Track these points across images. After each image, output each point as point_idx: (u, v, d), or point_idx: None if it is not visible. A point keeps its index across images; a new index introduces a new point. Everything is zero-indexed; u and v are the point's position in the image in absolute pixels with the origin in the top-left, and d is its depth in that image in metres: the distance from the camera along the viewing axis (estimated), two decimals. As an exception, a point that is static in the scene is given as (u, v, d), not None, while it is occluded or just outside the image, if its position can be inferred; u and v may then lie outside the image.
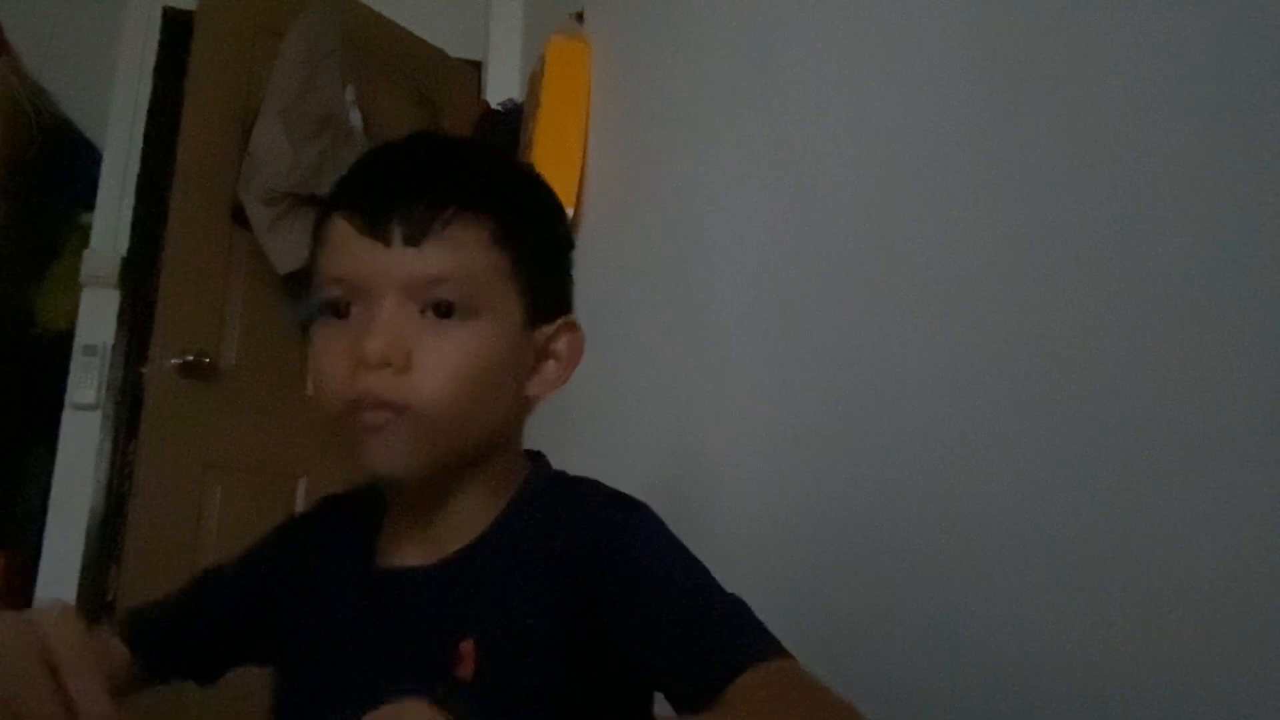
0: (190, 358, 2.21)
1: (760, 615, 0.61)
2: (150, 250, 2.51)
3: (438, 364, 0.65)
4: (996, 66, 0.76)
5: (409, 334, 0.65)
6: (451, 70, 2.72)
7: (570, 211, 1.75)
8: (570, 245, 0.78)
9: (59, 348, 2.50)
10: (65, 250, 2.61)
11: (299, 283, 2.25)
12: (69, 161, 2.64)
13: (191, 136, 2.31)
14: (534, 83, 1.94)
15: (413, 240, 0.65)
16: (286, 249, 2.19)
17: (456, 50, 2.72)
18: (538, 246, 0.72)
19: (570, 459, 0.77)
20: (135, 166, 2.60)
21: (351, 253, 0.66)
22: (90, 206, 2.59)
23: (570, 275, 0.76)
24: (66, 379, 2.47)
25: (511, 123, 2.06)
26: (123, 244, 2.57)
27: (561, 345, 0.73)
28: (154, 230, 2.48)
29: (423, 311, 0.65)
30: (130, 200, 2.59)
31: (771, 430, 1.05)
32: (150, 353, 2.23)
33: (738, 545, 1.01)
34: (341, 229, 0.67)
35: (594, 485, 0.72)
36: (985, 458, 0.73)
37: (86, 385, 2.47)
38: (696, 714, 0.56)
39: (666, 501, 0.72)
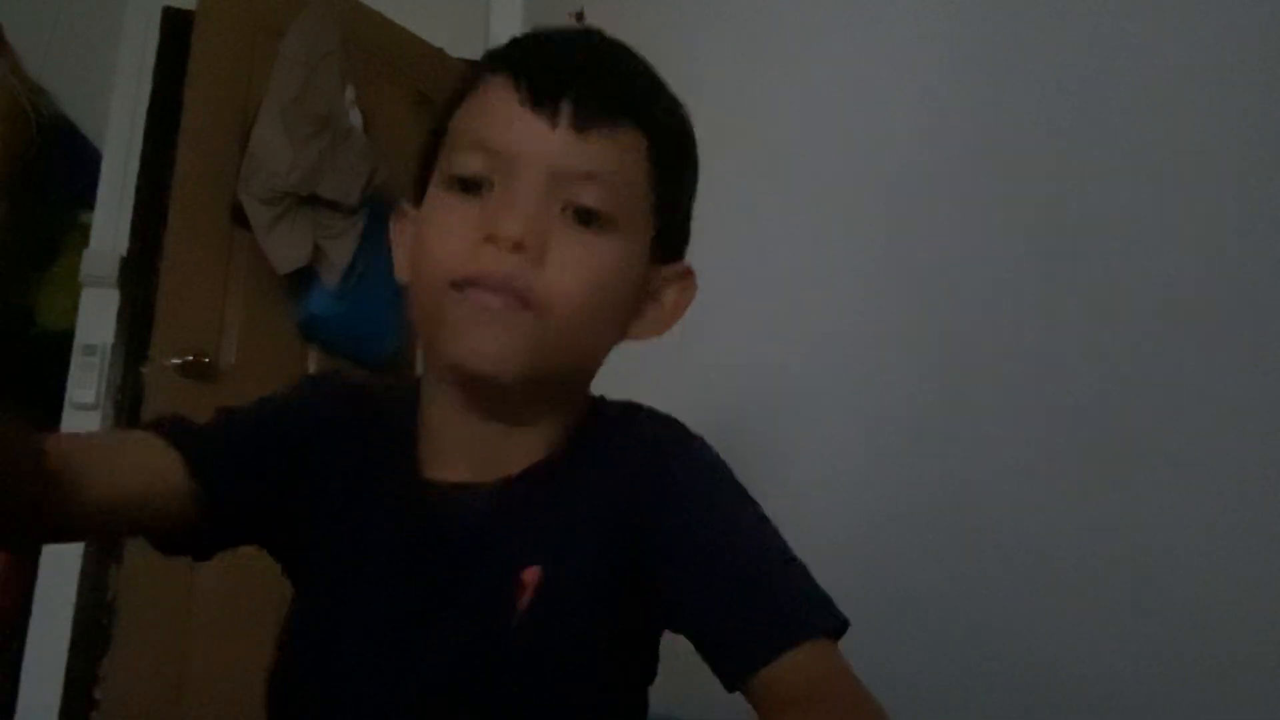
0: (190, 358, 2.20)
1: (834, 564, 0.60)
2: (150, 250, 2.51)
3: (571, 265, 0.59)
4: (997, 66, 0.76)
5: (547, 228, 0.59)
6: (451, 70, 2.71)
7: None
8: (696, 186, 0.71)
9: (59, 348, 2.49)
10: (65, 250, 2.61)
11: (299, 282, 2.25)
12: (69, 161, 2.64)
13: (191, 136, 2.31)
14: (534, 83, 1.93)
15: (580, 126, 0.60)
16: (286, 249, 2.19)
17: (456, 50, 2.72)
18: (683, 177, 0.68)
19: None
20: (135, 166, 2.60)
21: (505, 119, 0.60)
22: (90, 206, 2.59)
23: (692, 216, 0.70)
24: (66, 379, 2.47)
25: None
26: (123, 244, 2.56)
27: (673, 292, 0.68)
28: (154, 230, 2.48)
29: (562, 210, 0.60)
30: (130, 200, 2.59)
31: (772, 441, 1.05)
32: (150, 353, 2.23)
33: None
34: (499, 91, 0.61)
35: (651, 415, 0.68)
36: (985, 456, 0.73)
37: (86, 385, 2.47)
38: (733, 685, 0.56)
39: (740, 436, 0.69)
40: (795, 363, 1.03)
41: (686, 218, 0.69)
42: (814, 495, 0.97)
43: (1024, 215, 0.72)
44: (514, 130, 0.60)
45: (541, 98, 0.60)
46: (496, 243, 0.58)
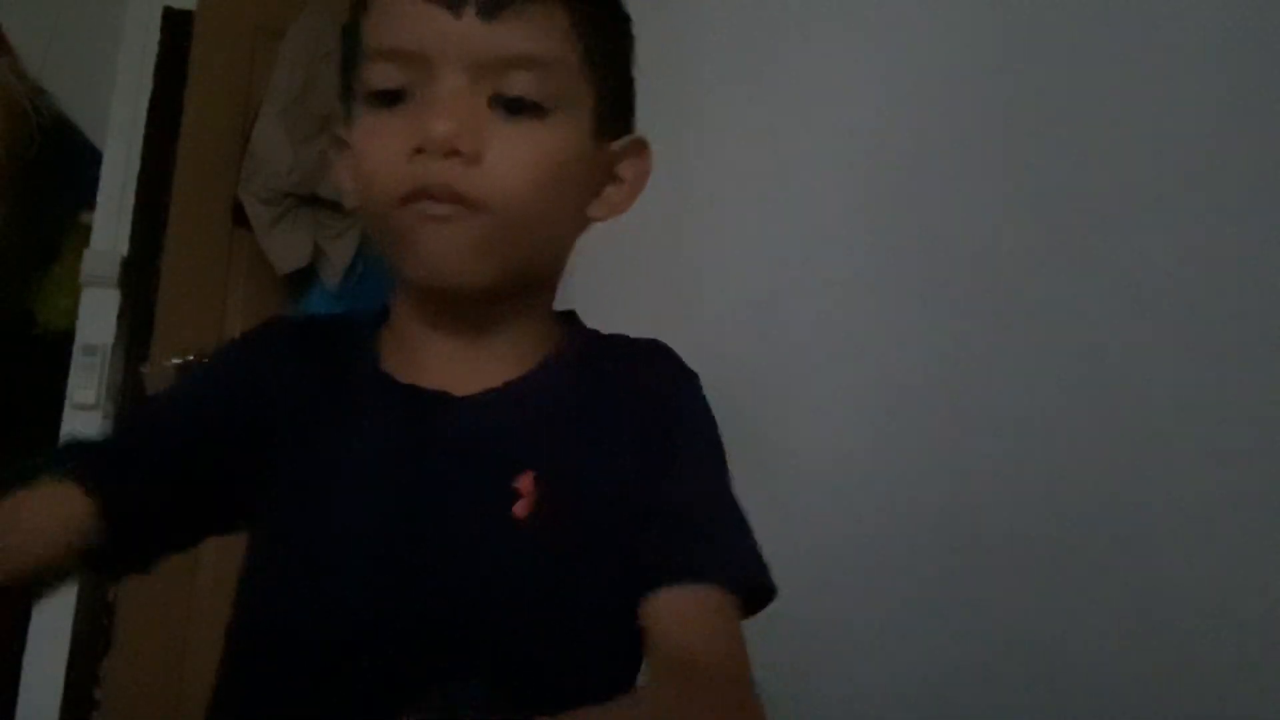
0: (190, 358, 2.20)
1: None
2: (150, 250, 2.51)
3: (511, 159, 0.57)
4: (996, 66, 0.76)
5: (479, 122, 0.56)
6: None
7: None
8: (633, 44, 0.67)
9: (59, 348, 2.49)
10: (65, 250, 2.61)
11: (299, 283, 2.25)
12: (69, 161, 2.64)
13: (191, 136, 2.31)
14: (534, 83, 1.93)
15: (488, 11, 0.56)
16: (286, 249, 2.19)
17: (456, 50, 2.72)
18: (613, 42, 0.64)
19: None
20: (135, 166, 2.60)
21: (409, 20, 0.56)
22: (90, 206, 2.59)
23: (635, 81, 0.67)
24: (66, 379, 2.47)
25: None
26: (123, 244, 2.56)
27: (628, 168, 0.65)
28: (154, 230, 2.48)
29: (491, 103, 0.57)
30: (130, 200, 2.59)
31: (777, 440, 1.04)
32: (150, 353, 2.23)
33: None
34: None
35: (665, 349, 0.67)
36: (984, 448, 0.73)
37: (86, 385, 2.46)
38: (639, 593, 0.55)
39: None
40: (794, 349, 1.03)
41: (627, 84, 0.66)
42: (814, 487, 0.97)
43: (1031, 203, 0.72)
44: (419, 30, 0.56)
45: None
46: (429, 151, 0.55)
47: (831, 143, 0.99)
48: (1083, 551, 0.64)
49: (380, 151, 0.57)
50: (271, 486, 0.61)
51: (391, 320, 0.66)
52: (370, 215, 0.60)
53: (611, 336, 0.68)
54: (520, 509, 0.57)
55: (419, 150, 0.55)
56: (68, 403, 2.46)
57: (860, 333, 0.90)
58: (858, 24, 0.96)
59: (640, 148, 0.66)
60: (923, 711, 0.78)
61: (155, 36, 2.67)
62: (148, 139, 2.60)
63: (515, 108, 0.57)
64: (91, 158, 2.63)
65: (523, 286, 0.62)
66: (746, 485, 0.59)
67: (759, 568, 0.59)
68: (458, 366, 0.62)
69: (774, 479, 1.02)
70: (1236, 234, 0.55)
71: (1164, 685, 0.57)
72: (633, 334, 0.68)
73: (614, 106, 0.63)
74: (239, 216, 2.26)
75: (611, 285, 1.00)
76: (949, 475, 0.79)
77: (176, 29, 2.58)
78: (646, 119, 0.63)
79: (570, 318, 0.69)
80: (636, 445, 0.61)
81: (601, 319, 0.66)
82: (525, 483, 0.58)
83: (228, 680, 0.61)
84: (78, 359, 2.48)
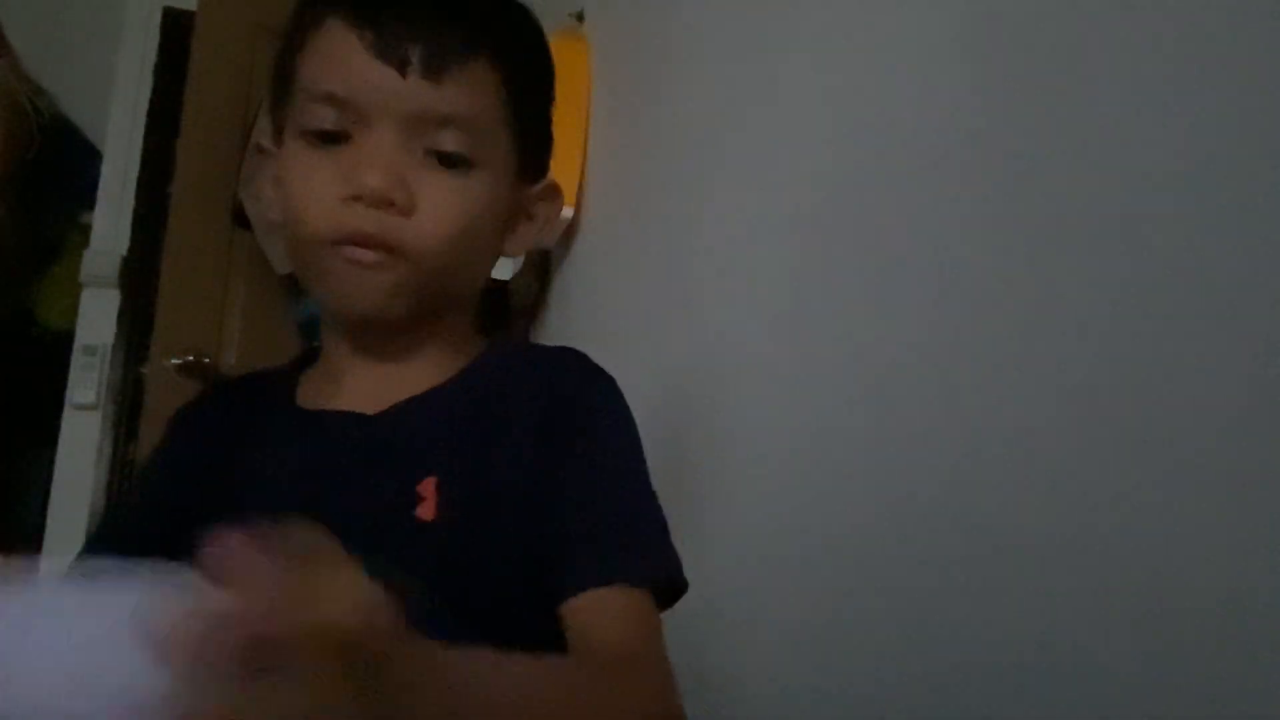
0: (190, 358, 2.21)
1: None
2: (150, 250, 2.51)
3: (439, 211, 0.60)
4: (997, 65, 0.76)
5: (409, 175, 0.60)
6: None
7: (570, 211, 1.75)
8: (554, 91, 0.72)
9: (59, 348, 2.50)
10: (65, 250, 2.61)
11: (299, 283, 2.25)
12: (69, 161, 2.64)
13: (191, 136, 2.31)
14: (534, 83, 1.94)
15: (432, 72, 0.59)
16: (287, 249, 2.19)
17: (456, 50, 2.72)
18: (538, 99, 0.68)
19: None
20: (135, 166, 2.60)
21: (354, 71, 0.59)
22: (90, 206, 2.59)
23: (553, 128, 0.71)
24: (66, 379, 2.47)
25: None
26: (123, 244, 2.57)
27: (542, 208, 0.70)
28: (154, 230, 2.48)
29: (424, 153, 0.60)
30: (130, 200, 2.59)
31: (774, 436, 1.05)
32: (150, 353, 2.23)
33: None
34: (342, 39, 0.59)
35: (575, 353, 0.70)
36: (985, 454, 0.73)
37: (86, 385, 2.47)
38: (555, 602, 0.57)
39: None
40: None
41: (547, 133, 0.70)
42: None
43: (1026, 215, 0.72)
44: (364, 81, 0.59)
45: (387, 46, 0.58)
46: (365, 199, 0.58)
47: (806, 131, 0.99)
48: (1077, 555, 0.64)
49: (314, 191, 0.60)
50: (194, 527, 0.65)
51: (322, 353, 0.70)
52: (297, 245, 0.62)
53: (527, 346, 0.74)
54: (424, 511, 0.59)
55: (354, 198, 0.58)
56: (68, 403, 2.46)
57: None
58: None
59: (554, 191, 0.70)
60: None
61: (155, 36, 2.68)
62: (148, 139, 2.61)
63: (446, 160, 0.60)
64: (91, 158, 2.64)
65: (438, 313, 0.66)
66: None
67: (671, 565, 0.61)
68: (375, 387, 0.65)
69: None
70: (1236, 234, 0.55)
71: (1157, 688, 0.57)
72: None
73: (534, 154, 0.68)
74: (239, 216, 2.26)
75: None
76: (923, 471, 0.80)
77: (176, 29, 2.59)
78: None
79: (497, 337, 0.73)
80: (542, 443, 0.62)
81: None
82: (428, 486, 0.60)
83: None
84: (78, 359, 2.48)
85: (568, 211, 1.75)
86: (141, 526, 0.67)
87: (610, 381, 0.68)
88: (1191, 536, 0.56)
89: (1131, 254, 0.62)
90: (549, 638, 0.58)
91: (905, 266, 0.85)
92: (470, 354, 0.69)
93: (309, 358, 0.72)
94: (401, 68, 0.58)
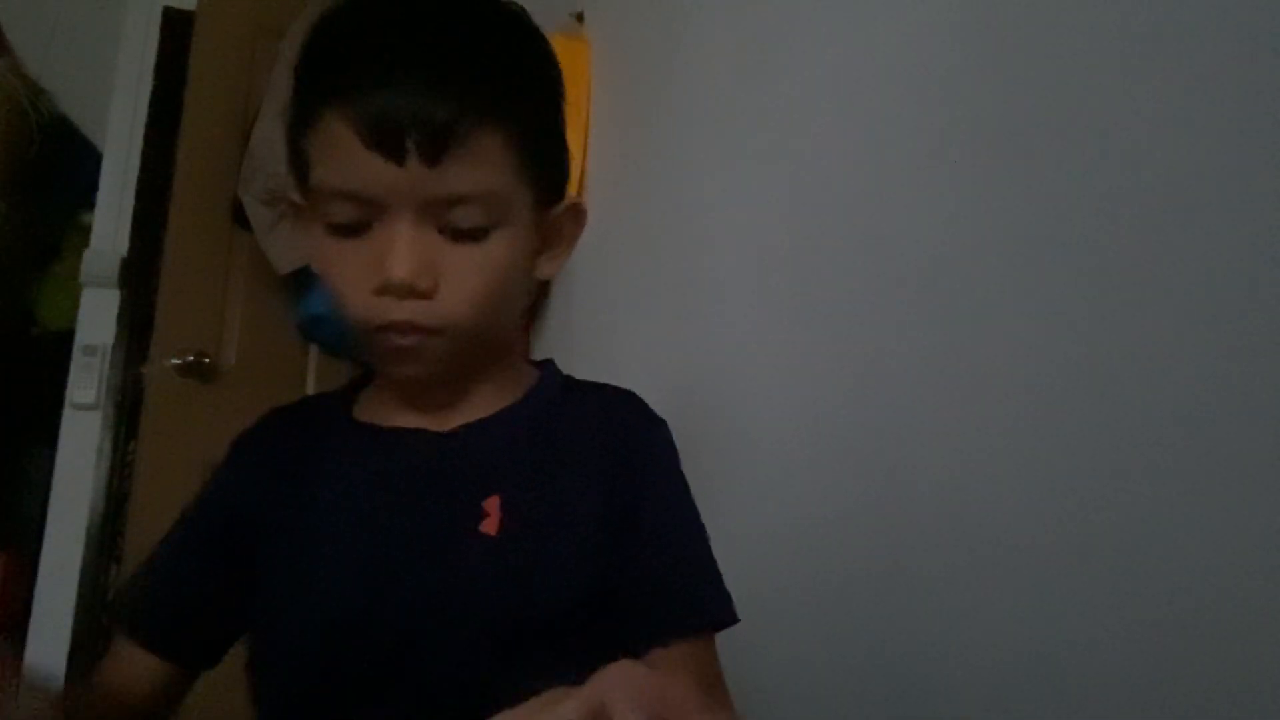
0: (190, 358, 2.21)
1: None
2: (150, 250, 2.51)
3: (465, 285, 0.62)
4: (996, 64, 0.76)
5: (431, 256, 0.61)
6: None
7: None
8: (564, 91, 0.70)
9: (59, 348, 2.50)
10: (65, 250, 2.61)
11: (299, 282, 2.25)
12: (69, 161, 2.64)
13: (191, 136, 2.31)
14: (534, 83, 1.94)
15: (430, 157, 0.59)
16: (286, 249, 2.19)
17: (456, 50, 2.72)
18: (549, 128, 0.67)
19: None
20: (135, 166, 2.60)
21: (358, 167, 0.60)
22: (90, 206, 2.59)
23: (566, 141, 0.71)
24: (66, 379, 2.47)
25: (511, 123, 2.06)
26: (123, 244, 2.56)
27: (568, 226, 0.70)
28: (154, 230, 2.48)
29: (440, 230, 0.62)
30: (130, 200, 2.59)
31: (776, 434, 1.05)
32: (150, 353, 2.23)
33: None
34: (342, 136, 0.60)
35: (638, 398, 0.73)
36: (985, 456, 0.73)
37: (86, 385, 2.47)
38: (636, 649, 0.62)
39: None
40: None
41: (562, 157, 0.70)
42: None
43: (1025, 214, 0.72)
44: (369, 177, 0.60)
45: (382, 139, 0.59)
46: (393, 291, 0.61)
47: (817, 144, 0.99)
48: (1072, 556, 0.64)
49: (348, 282, 0.63)
50: (268, 545, 0.68)
51: (379, 375, 0.73)
52: (349, 324, 0.66)
53: (584, 382, 0.75)
54: (488, 526, 0.63)
55: (382, 291, 0.61)
56: (68, 403, 2.46)
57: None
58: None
59: (577, 210, 0.71)
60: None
61: (155, 36, 2.68)
62: (148, 139, 2.60)
63: (464, 235, 0.62)
64: (91, 158, 2.63)
65: (487, 356, 0.69)
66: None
67: (730, 606, 0.67)
68: (440, 408, 0.69)
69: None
70: (1234, 234, 0.55)
71: (1150, 690, 0.57)
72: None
73: (552, 185, 0.67)
74: (239, 216, 2.26)
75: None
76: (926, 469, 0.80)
77: (176, 29, 2.59)
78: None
79: (547, 364, 0.75)
80: (609, 480, 0.67)
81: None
82: (493, 504, 0.64)
83: (263, 711, 0.67)
84: (78, 359, 2.48)
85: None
86: (201, 558, 0.71)
87: (666, 427, 0.71)
88: (1190, 533, 0.56)
89: (1131, 251, 0.62)
90: (594, 655, 0.59)
91: (905, 263, 0.85)
92: (525, 381, 0.72)
93: (364, 380, 0.75)
94: (400, 158, 0.59)
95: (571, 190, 1.92)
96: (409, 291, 0.61)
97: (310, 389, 2.39)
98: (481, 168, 0.60)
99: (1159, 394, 0.59)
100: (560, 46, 2.06)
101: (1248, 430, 0.53)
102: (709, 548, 0.68)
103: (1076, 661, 0.63)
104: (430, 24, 0.62)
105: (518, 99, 0.63)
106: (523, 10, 0.68)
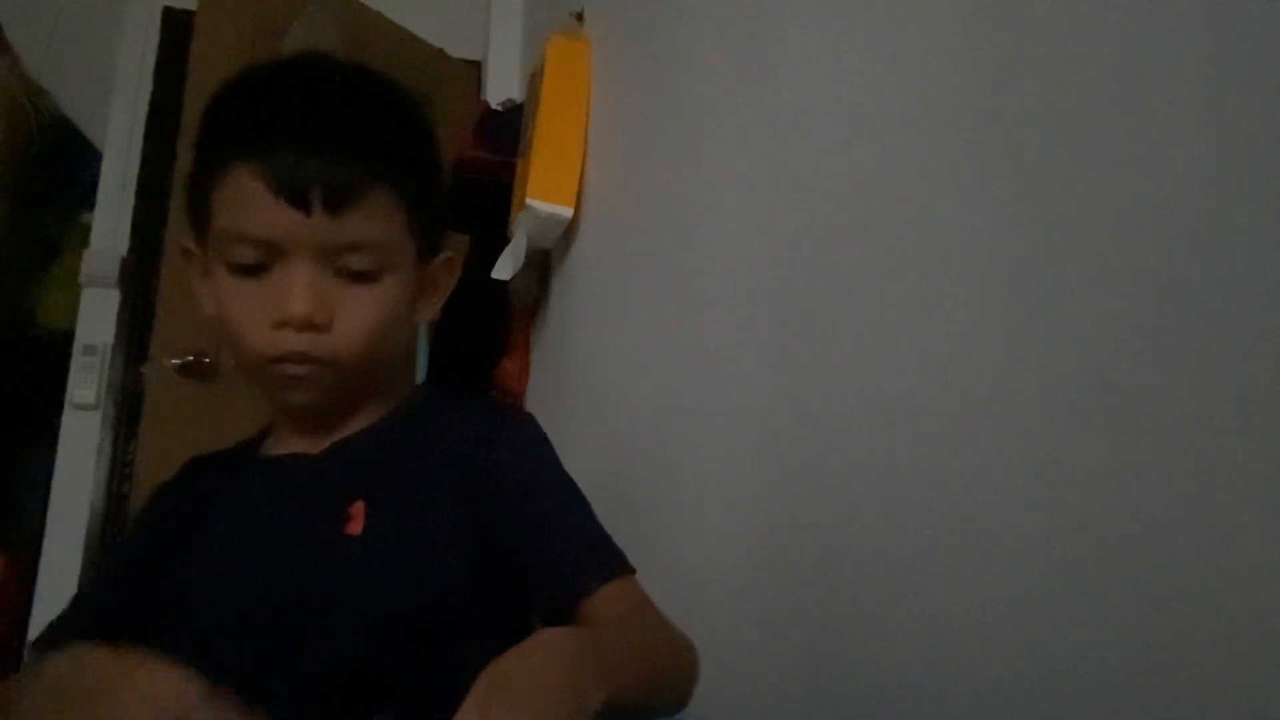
0: (190, 358, 2.20)
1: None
2: (150, 250, 2.51)
3: (355, 322, 0.71)
4: (995, 63, 0.76)
5: (327, 295, 0.70)
6: (451, 70, 2.72)
7: (569, 211, 1.75)
8: (443, 161, 0.81)
9: (59, 348, 2.50)
10: (65, 250, 2.61)
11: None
12: (69, 161, 2.64)
13: (191, 136, 2.31)
14: (534, 83, 1.94)
15: (333, 209, 0.68)
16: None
17: (456, 50, 2.72)
18: (432, 192, 0.77)
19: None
20: (135, 166, 2.60)
21: (264, 216, 0.68)
22: (90, 206, 2.59)
23: (444, 200, 0.81)
24: (66, 379, 2.47)
25: (512, 123, 2.06)
26: (123, 244, 2.57)
27: (444, 278, 0.80)
28: (154, 230, 2.48)
29: (335, 272, 0.70)
30: (130, 200, 2.59)
31: (761, 429, 1.05)
32: (150, 353, 2.23)
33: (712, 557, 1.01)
34: (250, 186, 0.68)
35: (490, 396, 0.81)
36: (984, 457, 0.73)
37: (86, 385, 2.47)
38: (556, 622, 0.66)
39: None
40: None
41: (442, 215, 0.80)
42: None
43: (1022, 214, 0.72)
44: (273, 223, 0.68)
45: (291, 191, 0.67)
46: (291, 325, 0.69)
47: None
48: (1081, 560, 0.64)
49: (248, 319, 0.70)
50: (166, 577, 0.75)
51: (273, 417, 0.82)
52: (240, 359, 0.74)
53: (445, 392, 0.82)
54: (352, 528, 0.70)
55: (281, 324, 0.69)
56: (68, 403, 2.46)
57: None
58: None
59: (452, 264, 0.81)
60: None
61: (155, 36, 2.68)
62: (148, 139, 2.61)
63: (356, 278, 0.71)
64: (91, 158, 2.64)
65: (367, 385, 0.77)
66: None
67: (618, 553, 0.73)
68: (317, 433, 0.77)
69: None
70: (1238, 233, 0.55)
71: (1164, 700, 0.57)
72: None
73: (433, 239, 0.77)
74: (239, 216, 2.26)
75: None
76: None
77: (176, 29, 2.59)
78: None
79: (421, 386, 0.86)
80: (461, 471, 0.73)
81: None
82: (357, 508, 0.71)
83: None
84: (78, 359, 2.48)
85: (567, 211, 1.75)
86: (118, 595, 0.77)
87: (532, 422, 0.79)
88: (1189, 532, 0.56)
89: (1133, 250, 0.62)
90: (469, 640, 0.68)
91: (906, 264, 0.85)
92: (397, 398, 0.80)
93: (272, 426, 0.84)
94: (306, 208, 0.67)
95: (569, 191, 1.91)
96: (307, 325, 0.69)
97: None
98: (375, 220, 0.70)
99: (1161, 394, 0.59)
100: (560, 46, 2.07)
101: (1250, 430, 0.53)
102: (591, 513, 0.75)
103: (1076, 666, 0.63)
104: (335, 96, 0.73)
105: (408, 165, 0.74)
106: (412, 89, 0.78)
